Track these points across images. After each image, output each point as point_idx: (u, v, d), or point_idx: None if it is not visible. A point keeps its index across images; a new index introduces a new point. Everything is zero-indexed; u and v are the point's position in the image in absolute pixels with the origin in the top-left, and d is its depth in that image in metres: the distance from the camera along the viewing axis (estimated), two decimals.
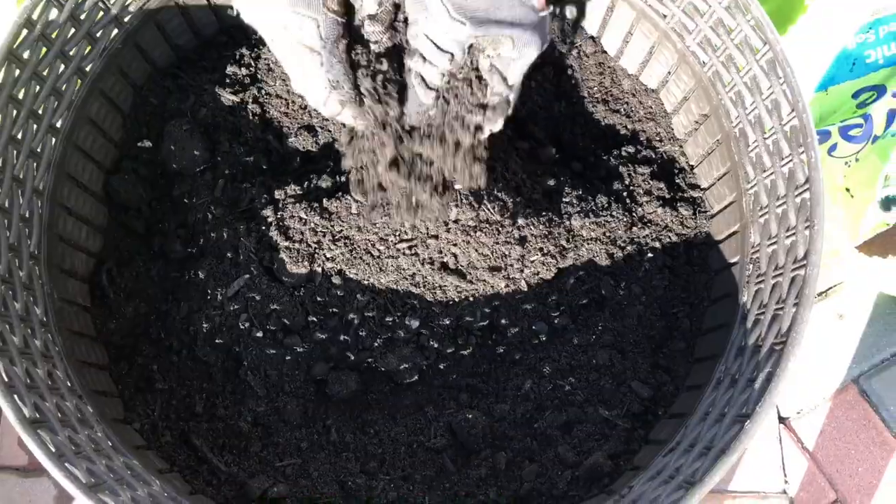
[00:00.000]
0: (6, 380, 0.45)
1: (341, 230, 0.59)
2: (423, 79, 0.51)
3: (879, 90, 0.90)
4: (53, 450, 0.44)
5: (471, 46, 0.49)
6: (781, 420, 0.90)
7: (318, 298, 0.59)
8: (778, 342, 0.47)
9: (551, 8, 0.49)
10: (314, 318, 0.59)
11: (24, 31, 0.53)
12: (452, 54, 0.49)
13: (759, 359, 0.48)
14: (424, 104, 0.51)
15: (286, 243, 0.59)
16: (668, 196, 0.63)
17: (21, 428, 0.44)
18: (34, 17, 0.53)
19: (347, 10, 0.50)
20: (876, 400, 0.91)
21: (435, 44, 0.50)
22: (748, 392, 0.46)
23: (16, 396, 0.45)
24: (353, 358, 0.59)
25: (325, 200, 0.59)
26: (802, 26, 0.91)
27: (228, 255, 0.60)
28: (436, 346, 0.59)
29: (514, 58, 0.49)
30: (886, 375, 0.92)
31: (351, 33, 0.51)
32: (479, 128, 0.51)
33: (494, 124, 0.51)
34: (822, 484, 0.88)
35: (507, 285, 0.59)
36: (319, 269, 0.59)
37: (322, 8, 0.48)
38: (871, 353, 0.94)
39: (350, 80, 0.51)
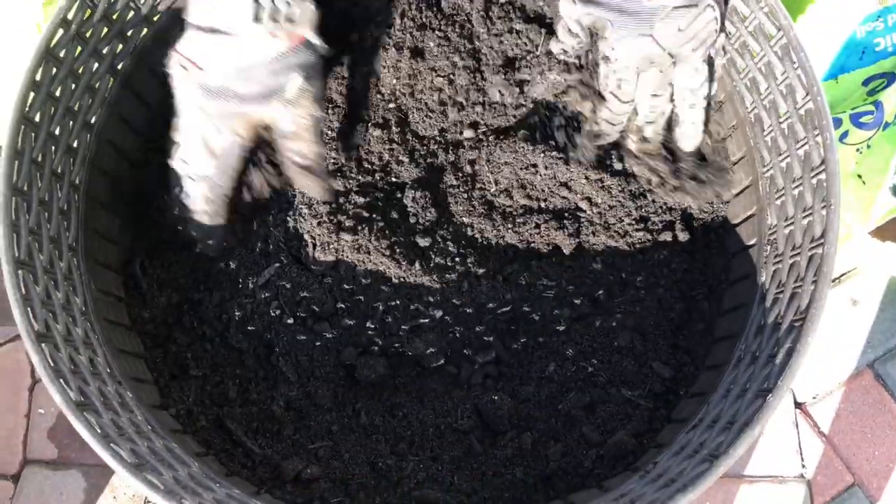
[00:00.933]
0: (52, 365, 0.47)
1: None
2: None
3: (889, 77, 0.91)
4: (99, 431, 0.46)
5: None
6: (798, 405, 0.92)
7: (345, 286, 0.61)
8: (798, 318, 0.48)
9: (666, 4, 0.52)
10: (342, 305, 0.61)
11: (60, 31, 0.55)
12: (579, 35, 0.57)
13: (780, 336, 0.49)
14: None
15: (316, 231, 0.61)
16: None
17: (68, 410, 0.46)
18: (69, 16, 0.55)
19: (253, 141, 0.56)
20: (891, 384, 0.92)
21: (567, 27, 0.57)
22: (769, 367, 0.48)
23: (62, 381, 0.47)
24: (380, 343, 0.61)
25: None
26: (812, 15, 0.92)
27: (259, 244, 0.62)
28: (459, 331, 0.61)
29: (614, 39, 0.54)
30: None
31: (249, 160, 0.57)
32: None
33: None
34: (838, 467, 0.89)
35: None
36: (345, 258, 0.61)
37: (231, 127, 0.53)
38: (885, 337, 0.95)
39: (222, 203, 0.57)
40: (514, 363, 0.61)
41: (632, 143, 0.61)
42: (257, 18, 0.49)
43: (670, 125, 0.60)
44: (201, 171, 0.55)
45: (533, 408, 0.59)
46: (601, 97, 0.59)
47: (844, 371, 0.93)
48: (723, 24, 0.55)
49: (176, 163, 0.56)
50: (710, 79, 0.57)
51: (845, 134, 0.89)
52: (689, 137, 0.60)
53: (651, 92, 0.57)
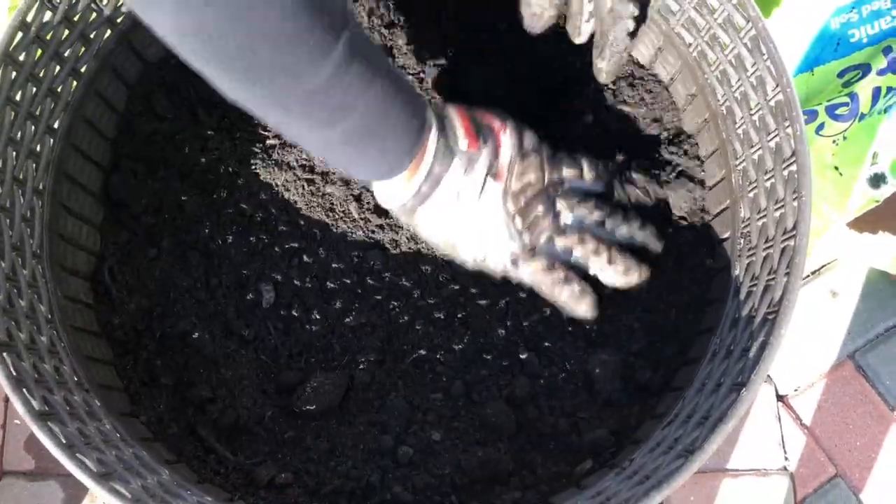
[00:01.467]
0: (14, 374, 0.46)
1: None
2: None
3: (864, 69, 0.91)
4: (64, 441, 0.45)
5: None
6: (779, 398, 0.92)
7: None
8: (771, 311, 0.48)
9: None
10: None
11: (20, 34, 0.54)
12: None
13: (753, 329, 0.49)
14: None
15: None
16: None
17: (31, 420, 0.45)
18: (28, 19, 0.54)
19: None
20: (872, 375, 0.93)
21: None
22: (743, 361, 0.48)
23: (24, 390, 0.46)
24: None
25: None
26: (786, 8, 0.92)
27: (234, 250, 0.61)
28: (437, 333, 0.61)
29: None
30: (881, 350, 0.94)
31: None
32: None
33: None
34: (821, 459, 0.89)
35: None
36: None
37: None
38: (865, 328, 0.95)
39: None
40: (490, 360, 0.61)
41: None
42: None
43: None
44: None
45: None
46: None
47: (825, 363, 0.93)
48: None
49: None
50: None
51: (821, 126, 0.89)
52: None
53: None
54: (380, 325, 0.61)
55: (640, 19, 0.57)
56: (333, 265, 0.62)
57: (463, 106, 0.53)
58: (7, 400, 0.91)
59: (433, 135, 0.50)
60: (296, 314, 0.61)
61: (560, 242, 0.54)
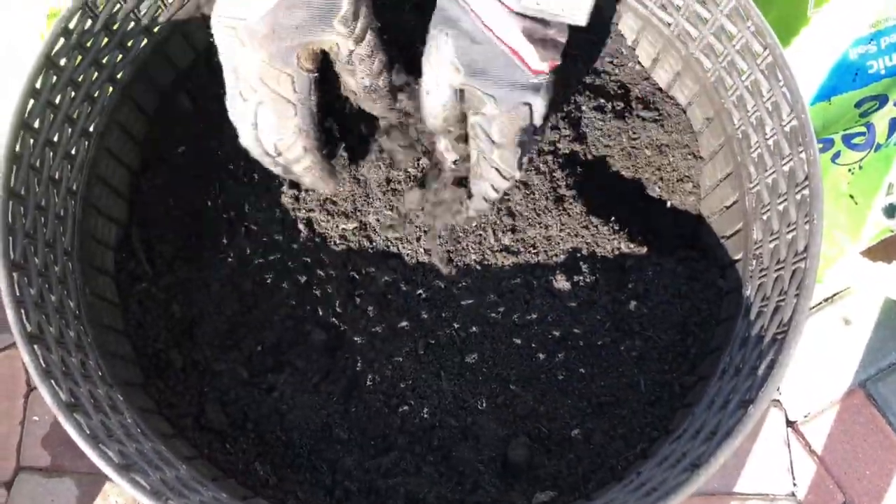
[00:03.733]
0: (44, 366, 0.48)
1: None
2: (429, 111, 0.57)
3: (881, 100, 0.92)
4: (88, 432, 0.46)
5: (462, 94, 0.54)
6: (789, 424, 0.92)
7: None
8: (780, 331, 0.49)
9: (548, 75, 0.52)
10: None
11: (61, 40, 0.56)
12: (446, 100, 0.54)
13: (762, 348, 0.50)
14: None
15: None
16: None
17: (58, 410, 0.46)
18: (70, 26, 0.57)
19: (319, 67, 0.55)
20: (882, 404, 0.93)
21: (435, 81, 0.54)
22: (751, 379, 0.48)
23: (53, 381, 0.48)
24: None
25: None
26: (805, 37, 0.94)
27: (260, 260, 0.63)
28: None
29: (495, 115, 0.53)
30: (893, 380, 0.94)
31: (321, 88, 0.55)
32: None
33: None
34: (830, 487, 0.89)
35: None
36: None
37: (296, 65, 0.52)
38: (877, 357, 0.95)
39: (315, 132, 0.56)
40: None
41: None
42: None
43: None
44: (289, 127, 0.55)
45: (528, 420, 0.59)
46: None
47: (836, 390, 0.93)
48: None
49: (261, 132, 0.55)
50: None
51: (837, 154, 0.90)
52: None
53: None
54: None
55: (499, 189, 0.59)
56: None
57: None
58: (26, 396, 0.93)
59: None
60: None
61: None
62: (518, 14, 0.50)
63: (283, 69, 0.52)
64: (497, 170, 0.56)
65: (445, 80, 0.53)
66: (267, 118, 0.54)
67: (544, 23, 0.51)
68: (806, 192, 0.51)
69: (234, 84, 0.54)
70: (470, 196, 0.61)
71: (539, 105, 0.53)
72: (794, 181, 0.53)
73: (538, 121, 0.54)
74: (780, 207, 0.54)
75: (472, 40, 0.51)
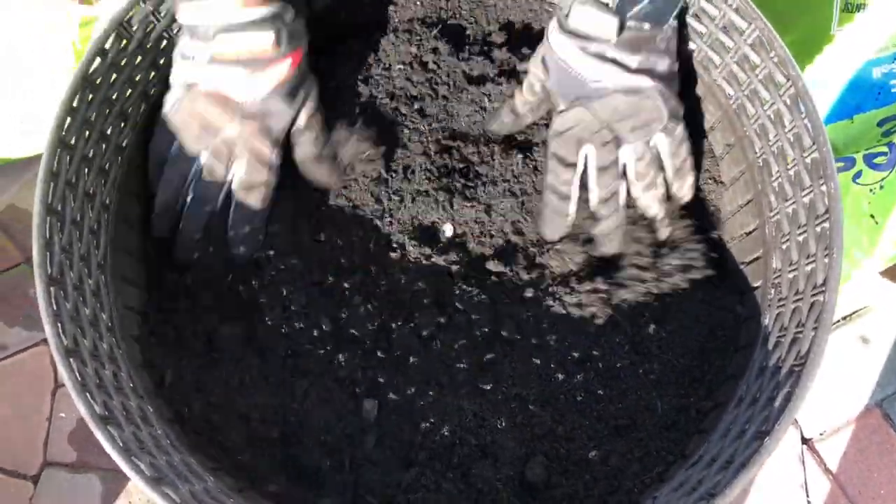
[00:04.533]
0: (79, 379, 0.50)
1: None
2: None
3: None
4: (121, 444, 0.48)
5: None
6: (804, 441, 0.92)
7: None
8: (797, 363, 0.50)
9: (609, 85, 0.61)
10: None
11: (98, 60, 0.58)
12: (538, 95, 0.65)
13: (780, 379, 0.50)
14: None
15: None
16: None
17: (93, 423, 0.48)
18: (106, 46, 0.58)
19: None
20: None
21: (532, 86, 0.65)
22: (768, 410, 0.49)
23: (88, 395, 0.49)
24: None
25: None
26: (829, 55, 0.94)
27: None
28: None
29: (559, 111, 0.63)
30: None
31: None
32: None
33: None
34: None
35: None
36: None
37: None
38: (894, 377, 0.95)
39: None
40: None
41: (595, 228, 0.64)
42: (278, 42, 0.57)
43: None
44: (259, 179, 0.62)
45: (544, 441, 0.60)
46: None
47: (853, 409, 0.94)
48: (673, 113, 0.60)
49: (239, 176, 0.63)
50: (659, 165, 0.62)
51: (859, 174, 0.90)
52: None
53: (597, 165, 0.61)
54: None
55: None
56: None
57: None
58: (54, 393, 0.96)
59: None
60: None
61: None
62: (568, 33, 0.59)
63: (258, 141, 0.61)
64: (555, 155, 0.63)
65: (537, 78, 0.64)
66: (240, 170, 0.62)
67: (590, 40, 0.58)
68: (826, 224, 0.52)
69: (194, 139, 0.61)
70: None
71: (604, 112, 0.60)
72: (814, 213, 0.54)
73: (615, 126, 0.61)
74: (800, 238, 0.55)
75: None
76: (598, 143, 0.61)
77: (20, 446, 0.93)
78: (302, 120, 0.63)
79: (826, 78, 0.93)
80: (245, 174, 0.62)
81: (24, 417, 0.95)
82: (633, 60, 0.59)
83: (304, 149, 0.64)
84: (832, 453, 0.92)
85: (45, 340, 0.96)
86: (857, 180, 0.89)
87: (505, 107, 0.67)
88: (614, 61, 0.59)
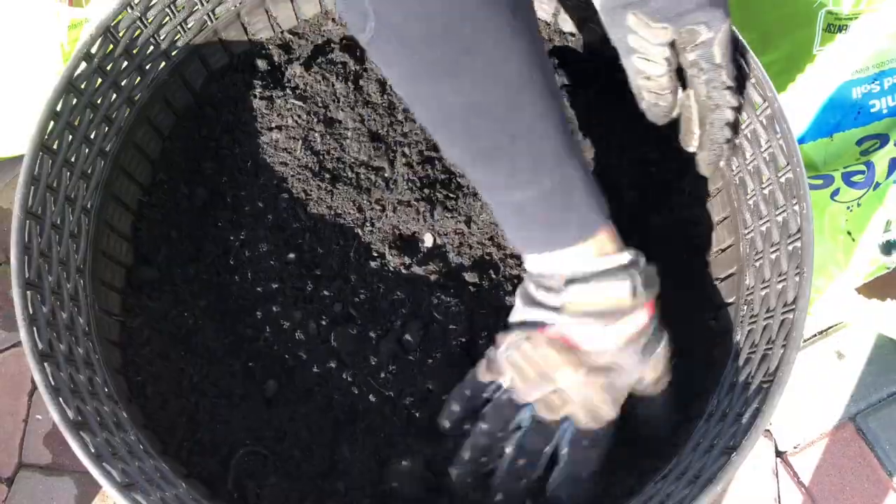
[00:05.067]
0: (52, 384, 0.50)
1: None
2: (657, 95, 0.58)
3: (882, 139, 0.94)
4: (93, 451, 0.48)
5: (672, 46, 0.55)
6: (778, 454, 0.93)
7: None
8: (766, 380, 0.50)
9: None
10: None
11: (83, 64, 0.58)
12: (666, 60, 0.56)
13: (748, 395, 0.51)
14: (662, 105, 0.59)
15: None
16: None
17: (65, 429, 0.48)
18: (92, 51, 0.58)
19: None
20: (872, 438, 0.94)
21: (647, 59, 0.56)
22: (736, 426, 0.50)
23: (61, 400, 0.49)
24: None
25: None
26: (810, 74, 0.95)
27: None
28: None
29: (710, 38, 0.53)
30: (883, 415, 0.95)
31: None
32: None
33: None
34: None
35: None
36: None
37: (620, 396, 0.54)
38: (869, 392, 0.96)
39: None
40: None
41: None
42: (634, 293, 0.50)
43: None
44: (593, 435, 0.54)
45: None
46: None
47: (827, 423, 0.95)
48: None
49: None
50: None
51: (837, 191, 0.91)
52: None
53: None
54: None
55: (739, 110, 0.58)
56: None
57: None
58: (31, 395, 0.95)
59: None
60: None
61: None
62: None
63: (607, 396, 0.53)
64: (729, 88, 0.56)
65: (660, 42, 0.54)
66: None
67: None
68: (798, 244, 0.53)
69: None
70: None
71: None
72: (787, 232, 0.55)
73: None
74: (773, 256, 0.56)
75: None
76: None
77: None
78: (649, 376, 0.54)
79: (807, 96, 0.95)
80: (581, 427, 0.53)
81: (0, 418, 0.94)
82: None
83: (644, 400, 0.56)
84: (806, 466, 0.93)
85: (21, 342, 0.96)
86: (835, 198, 0.91)
87: (646, 106, 0.61)
88: None
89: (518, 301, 0.54)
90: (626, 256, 0.50)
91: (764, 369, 0.51)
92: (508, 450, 0.54)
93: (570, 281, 0.50)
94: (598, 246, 0.50)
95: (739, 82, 0.58)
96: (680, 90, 0.59)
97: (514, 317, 0.54)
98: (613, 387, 0.52)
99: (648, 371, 0.53)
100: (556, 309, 0.51)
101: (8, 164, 0.95)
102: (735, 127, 0.59)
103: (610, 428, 0.54)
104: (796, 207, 0.53)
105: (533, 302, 0.52)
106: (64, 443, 0.93)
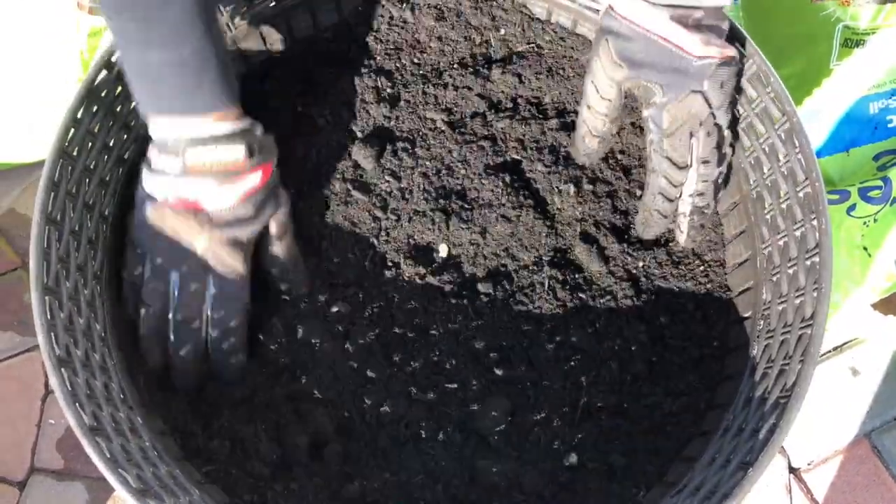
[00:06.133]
0: (69, 389, 0.50)
1: None
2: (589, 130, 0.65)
3: None
4: (108, 456, 0.48)
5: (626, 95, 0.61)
6: (792, 470, 0.92)
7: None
8: (783, 395, 0.50)
9: (716, 61, 0.56)
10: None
11: (103, 72, 0.59)
12: (611, 100, 0.61)
13: (765, 410, 0.51)
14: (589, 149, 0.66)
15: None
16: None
17: (81, 434, 0.48)
18: (113, 59, 0.59)
19: None
20: (887, 456, 0.93)
21: (597, 89, 0.61)
22: (752, 441, 0.50)
23: (77, 405, 0.50)
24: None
25: None
26: (827, 88, 0.95)
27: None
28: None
29: (664, 103, 0.58)
30: None
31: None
32: None
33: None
34: None
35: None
36: None
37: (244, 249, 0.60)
38: (884, 408, 0.96)
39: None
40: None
41: (682, 229, 0.64)
42: (250, 154, 0.57)
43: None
44: (231, 291, 0.60)
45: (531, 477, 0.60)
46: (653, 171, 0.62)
47: (841, 440, 0.94)
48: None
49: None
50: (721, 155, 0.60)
51: (853, 207, 0.91)
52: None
53: (702, 158, 0.59)
54: None
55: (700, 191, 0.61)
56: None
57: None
58: (44, 399, 0.96)
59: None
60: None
61: None
62: (663, 6, 0.55)
63: (231, 250, 0.59)
64: (669, 159, 0.59)
65: (611, 78, 0.59)
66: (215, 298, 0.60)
67: (692, 9, 0.55)
68: (816, 259, 0.52)
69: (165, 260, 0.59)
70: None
71: (714, 95, 0.57)
72: (804, 247, 0.54)
73: (717, 112, 0.58)
74: (790, 271, 0.56)
75: (628, 39, 0.57)
76: (704, 134, 0.58)
77: (8, 452, 0.93)
78: (273, 229, 0.61)
79: (823, 111, 0.94)
80: (216, 288, 0.60)
81: (13, 423, 0.95)
82: (725, 23, 0.57)
83: (273, 258, 0.63)
84: (820, 483, 0.92)
85: (37, 346, 0.96)
86: (852, 213, 0.90)
87: (577, 135, 0.66)
88: (711, 28, 0.56)
89: (144, 170, 0.58)
90: (243, 124, 0.57)
91: (781, 385, 0.51)
92: (174, 319, 0.60)
93: (192, 143, 0.55)
94: (221, 117, 0.56)
95: (707, 160, 0.59)
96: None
97: (144, 185, 0.58)
98: (238, 241, 0.59)
99: (272, 227, 0.61)
100: (176, 175, 0.56)
101: (24, 170, 0.96)
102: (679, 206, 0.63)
103: (243, 283, 0.60)
104: (815, 222, 0.53)
105: (156, 170, 0.57)
106: (76, 448, 0.93)
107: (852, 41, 0.95)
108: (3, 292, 1.01)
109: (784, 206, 0.58)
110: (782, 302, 0.56)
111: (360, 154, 0.68)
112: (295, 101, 0.72)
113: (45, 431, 0.95)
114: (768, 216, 0.60)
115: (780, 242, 0.58)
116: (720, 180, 0.61)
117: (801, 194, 0.55)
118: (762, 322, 0.58)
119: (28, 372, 0.97)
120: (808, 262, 0.53)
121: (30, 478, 0.93)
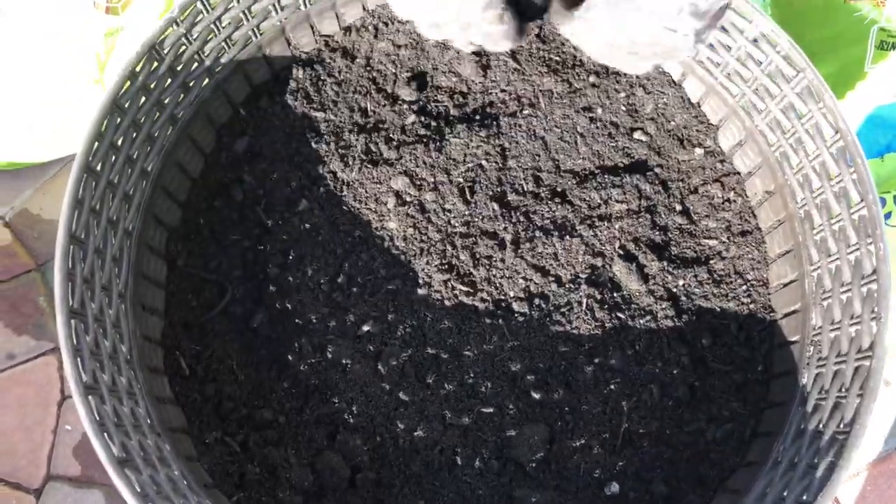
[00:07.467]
0: (97, 418, 0.48)
1: None
2: None
3: None
4: (139, 490, 0.47)
5: None
6: None
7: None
8: (841, 431, 0.48)
9: None
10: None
11: (127, 83, 0.56)
12: None
13: (821, 445, 0.49)
14: None
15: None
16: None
17: (111, 467, 0.47)
18: (137, 69, 0.57)
19: None
20: None
21: None
22: (808, 478, 0.48)
23: (105, 435, 0.48)
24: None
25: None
26: (861, 91, 0.92)
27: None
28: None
29: None
30: None
31: None
32: None
33: None
34: None
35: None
36: None
37: None
38: None
39: None
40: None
41: None
42: None
43: None
44: None
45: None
46: None
47: (872, 453, 0.92)
48: None
49: None
50: None
51: (889, 215, 0.88)
52: None
53: None
54: None
55: None
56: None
57: None
58: (60, 404, 0.94)
59: None
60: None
61: None
62: None
63: None
64: None
65: None
66: None
67: None
68: (873, 286, 0.50)
69: None
70: None
71: None
72: (860, 272, 0.52)
73: None
74: (843, 297, 0.53)
75: None
76: None
77: (24, 458, 0.92)
78: None
79: (857, 115, 0.92)
80: None
81: (29, 428, 0.93)
82: None
83: None
84: (849, 498, 0.90)
85: (53, 350, 0.94)
86: (888, 221, 0.88)
87: None
88: None
89: None
90: None
91: (838, 419, 0.49)
92: None
93: None
94: None
95: None
96: None
97: None
98: None
99: None
100: None
101: (37, 169, 0.94)
102: None
103: None
104: (871, 247, 0.51)
105: None
106: (94, 455, 0.91)
107: (888, 44, 0.92)
108: (17, 295, 0.99)
109: (836, 227, 0.55)
110: (835, 329, 0.54)
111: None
112: None
113: (62, 437, 0.93)
114: (817, 237, 0.58)
115: (832, 266, 0.56)
116: None
117: (855, 217, 0.53)
118: (811, 348, 0.56)
119: (44, 377, 0.95)
120: (864, 290, 0.51)
121: (46, 485, 0.91)
